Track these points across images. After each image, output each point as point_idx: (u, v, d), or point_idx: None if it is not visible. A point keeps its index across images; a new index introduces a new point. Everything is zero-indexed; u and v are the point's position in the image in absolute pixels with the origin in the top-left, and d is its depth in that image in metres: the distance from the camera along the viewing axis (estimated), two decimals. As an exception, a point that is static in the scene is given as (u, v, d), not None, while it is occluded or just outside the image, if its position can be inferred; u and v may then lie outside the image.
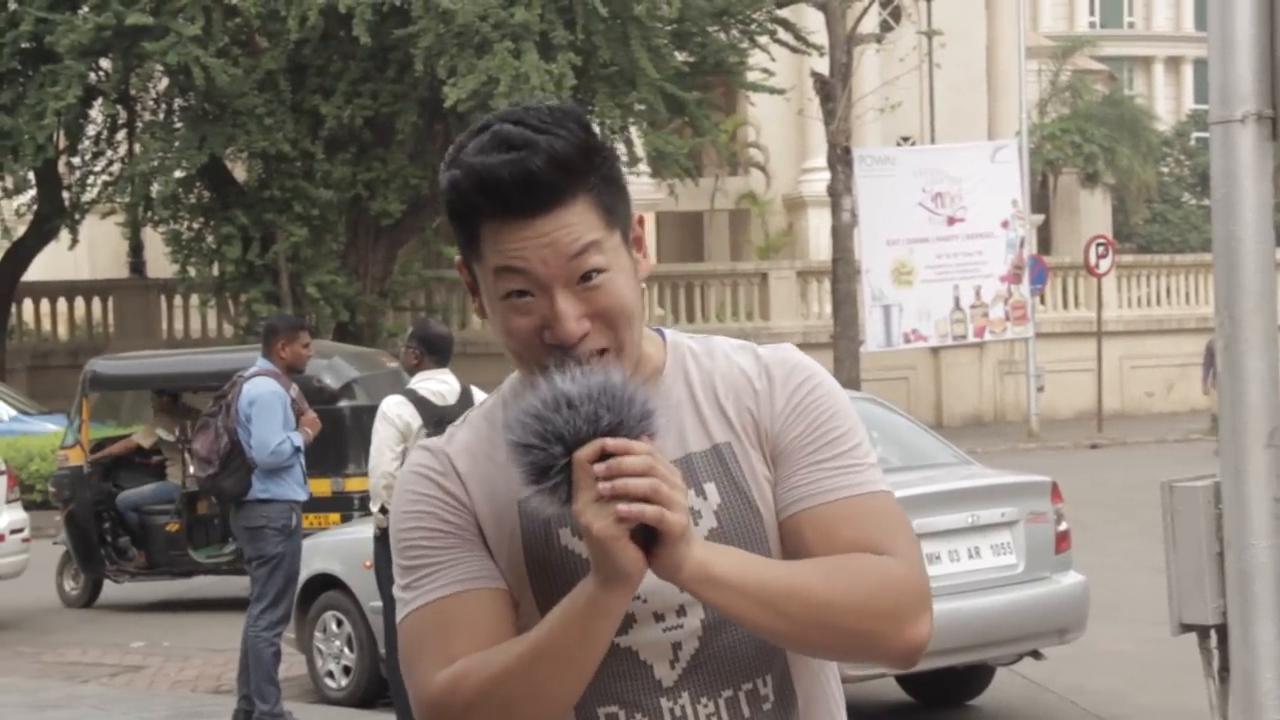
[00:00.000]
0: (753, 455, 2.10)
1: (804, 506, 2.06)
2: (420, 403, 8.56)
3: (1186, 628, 4.64)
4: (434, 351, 8.80)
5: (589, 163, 2.01)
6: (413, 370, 8.84)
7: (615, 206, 2.04)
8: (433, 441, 2.15)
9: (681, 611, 2.05)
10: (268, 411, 8.85)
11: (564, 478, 1.88)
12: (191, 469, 10.40)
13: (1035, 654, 8.94)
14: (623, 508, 1.84)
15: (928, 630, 2.02)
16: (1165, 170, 54.40)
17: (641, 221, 2.12)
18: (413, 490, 2.10)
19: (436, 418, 8.44)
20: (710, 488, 2.07)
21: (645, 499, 1.85)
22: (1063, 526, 8.98)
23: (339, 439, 13.19)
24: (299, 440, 8.94)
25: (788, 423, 2.10)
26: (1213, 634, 4.53)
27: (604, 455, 1.86)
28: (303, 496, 9.14)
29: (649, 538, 1.88)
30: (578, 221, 2.00)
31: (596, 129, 2.11)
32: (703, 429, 2.10)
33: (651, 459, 1.86)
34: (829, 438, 2.09)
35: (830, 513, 2.05)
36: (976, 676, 9.33)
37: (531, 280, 1.99)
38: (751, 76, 25.85)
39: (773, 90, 25.48)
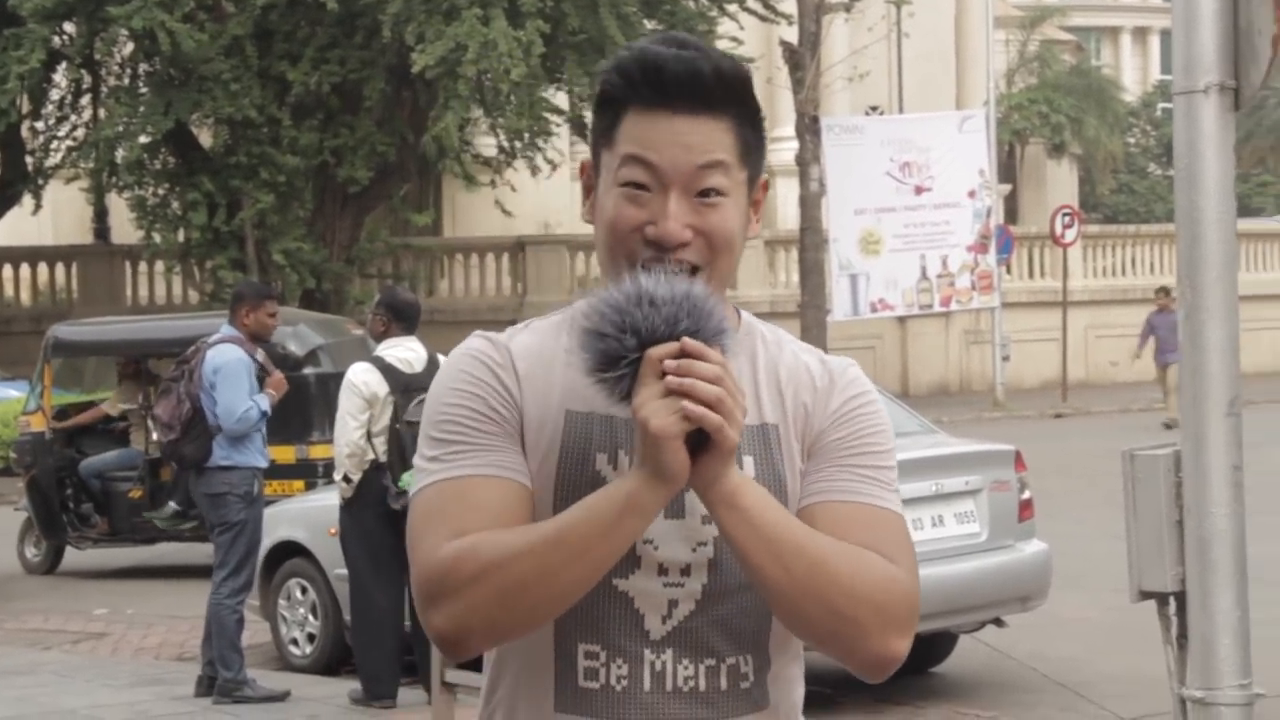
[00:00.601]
0: (795, 446, 2.12)
1: (825, 499, 2.08)
2: (387, 370, 8.54)
3: (1146, 595, 4.67)
4: (401, 318, 8.78)
5: (744, 94, 2.08)
6: (380, 337, 8.83)
7: (752, 148, 2.11)
8: (494, 335, 2.14)
9: (686, 571, 2.06)
10: (233, 378, 8.82)
11: (630, 371, 1.90)
12: (154, 435, 10.37)
13: (998, 621, 9.00)
14: (690, 406, 1.86)
15: (905, 649, 2.04)
16: (1131, 141, 54.59)
17: (765, 187, 2.17)
18: (467, 372, 2.09)
19: (403, 385, 8.43)
20: (748, 461, 2.08)
21: (710, 405, 1.87)
22: (1026, 495, 9.03)
23: (303, 406, 13.16)
24: (265, 404, 8.91)
25: (835, 424, 2.13)
26: (1172, 601, 4.56)
27: (678, 357, 1.88)
28: (264, 463, 9.12)
29: (697, 446, 1.90)
30: (717, 137, 2.05)
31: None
32: (755, 405, 2.11)
33: (723, 370, 1.89)
34: (867, 449, 2.12)
35: (848, 512, 2.08)
36: (939, 644, 9.38)
37: (655, 175, 2.04)
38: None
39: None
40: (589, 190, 2.13)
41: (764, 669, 2.10)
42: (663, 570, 2.05)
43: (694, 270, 2.03)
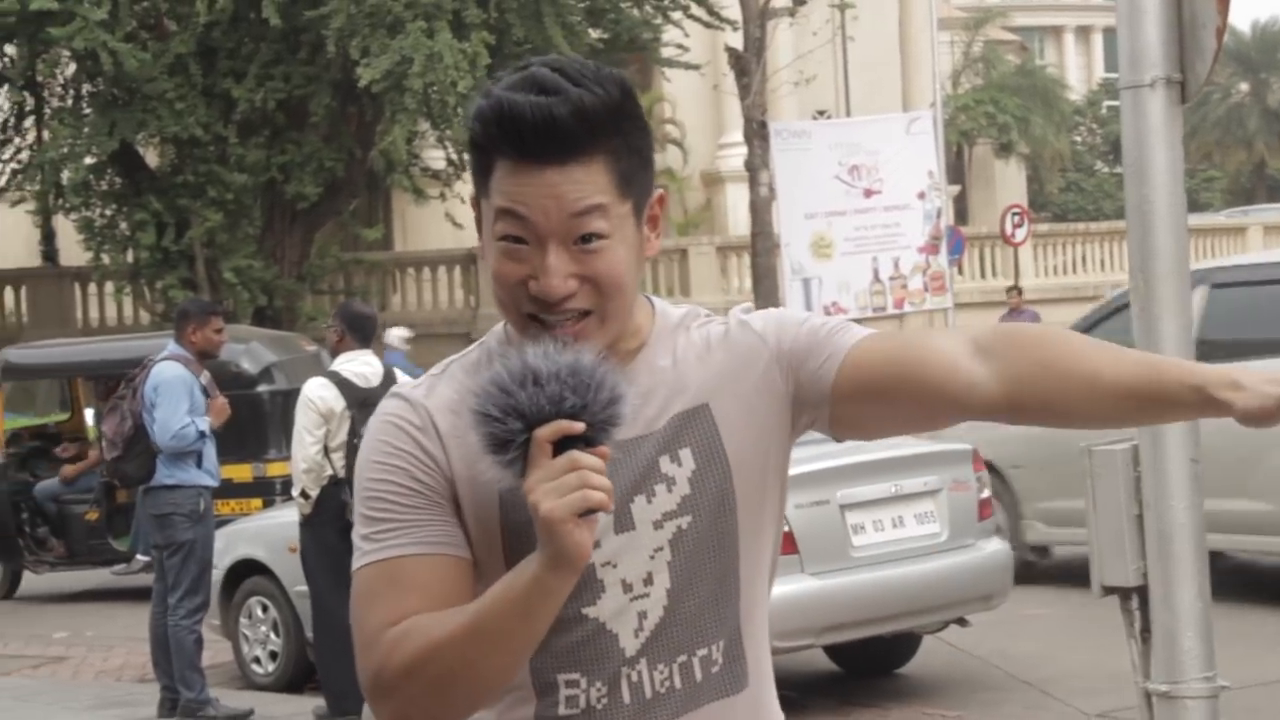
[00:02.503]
0: (747, 399, 2.07)
1: (837, 364, 2.05)
2: (343, 384, 8.50)
3: (1108, 590, 4.68)
4: (355, 329, 8.75)
5: (615, 125, 1.98)
6: (335, 350, 8.81)
7: (633, 176, 2.01)
8: (411, 391, 2.10)
9: (649, 580, 2.05)
10: (171, 396, 8.75)
11: (521, 453, 1.88)
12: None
13: (961, 621, 9.02)
14: (589, 493, 1.84)
15: None
16: (1078, 139, 54.90)
17: (662, 201, 2.09)
18: (387, 441, 2.05)
19: (360, 400, 8.39)
20: (685, 453, 2.06)
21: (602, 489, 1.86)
22: (985, 494, 9.06)
23: (258, 424, 13.10)
24: (204, 425, 8.83)
25: (795, 352, 2.08)
26: (1134, 595, 4.57)
27: (563, 438, 1.86)
28: (212, 482, 9.03)
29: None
30: (588, 181, 1.97)
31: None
32: (684, 392, 2.08)
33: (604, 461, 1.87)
34: (821, 328, 2.10)
35: (857, 352, 2.05)
36: (903, 644, 9.40)
37: (529, 229, 1.97)
38: (666, 52, 25.80)
39: (687, 66, 25.46)
40: (479, 227, 2.08)
41: (734, 651, 2.11)
42: (627, 587, 2.04)
43: (584, 314, 1.99)
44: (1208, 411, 1.90)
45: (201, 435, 8.81)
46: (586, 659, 2.04)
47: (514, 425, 1.88)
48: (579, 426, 1.87)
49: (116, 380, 14.48)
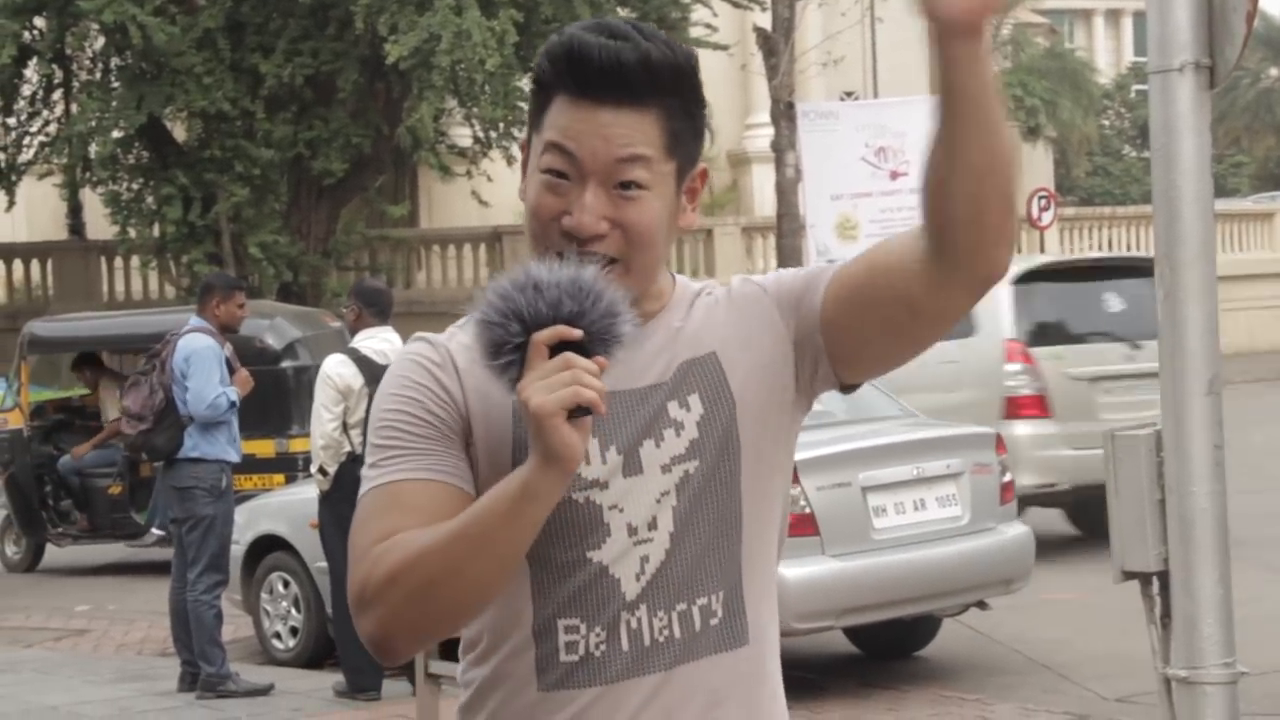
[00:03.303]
0: (751, 342, 2.11)
1: (827, 279, 2.11)
2: (362, 361, 8.51)
3: (1129, 575, 4.66)
4: (371, 304, 8.75)
5: (675, 84, 2.05)
6: (354, 327, 8.82)
7: (682, 138, 2.07)
8: (434, 336, 2.14)
9: (653, 524, 2.06)
10: (204, 366, 8.80)
11: (518, 357, 1.91)
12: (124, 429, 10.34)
13: (981, 604, 9.01)
14: (580, 390, 1.86)
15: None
16: (1106, 123, 54.65)
17: (704, 176, 2.14)
18: (405, 376, 2.10)
19: (379, 376, 8.37)
20: (694, 399, 2.09)
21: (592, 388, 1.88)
22: (1007, 478, 9.04)
23: (282, 400, 13.13)
24: (235, 395, 8.89)
25: (791, 297, 2.13)
26: (1155, 581, 4.55)
27: (561, 343, 1.88)
28: (234, 458, 9.07)
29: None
30: (639, 129, 2.04)
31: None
32: (695, 340, 2.12)
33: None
34: (820, 266, 2.15)
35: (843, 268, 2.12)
36: (923, 627, 9.39)
37: (573, 165, 2.03)
38: (694, 32, 25.74)
39: (716, 46, 25.39)
40: (525, 170, 2.13)
41: (735, 606, 2.11)
42: (632, 530, 2.06)
43: (611, 262, 2.02)
44: (947, 43, 1.88)
45: (232, 405, 8.86)
46: (588, 604, 2.05)
47: (512, 328, 1.90)
48: (576, 332, 1.89)
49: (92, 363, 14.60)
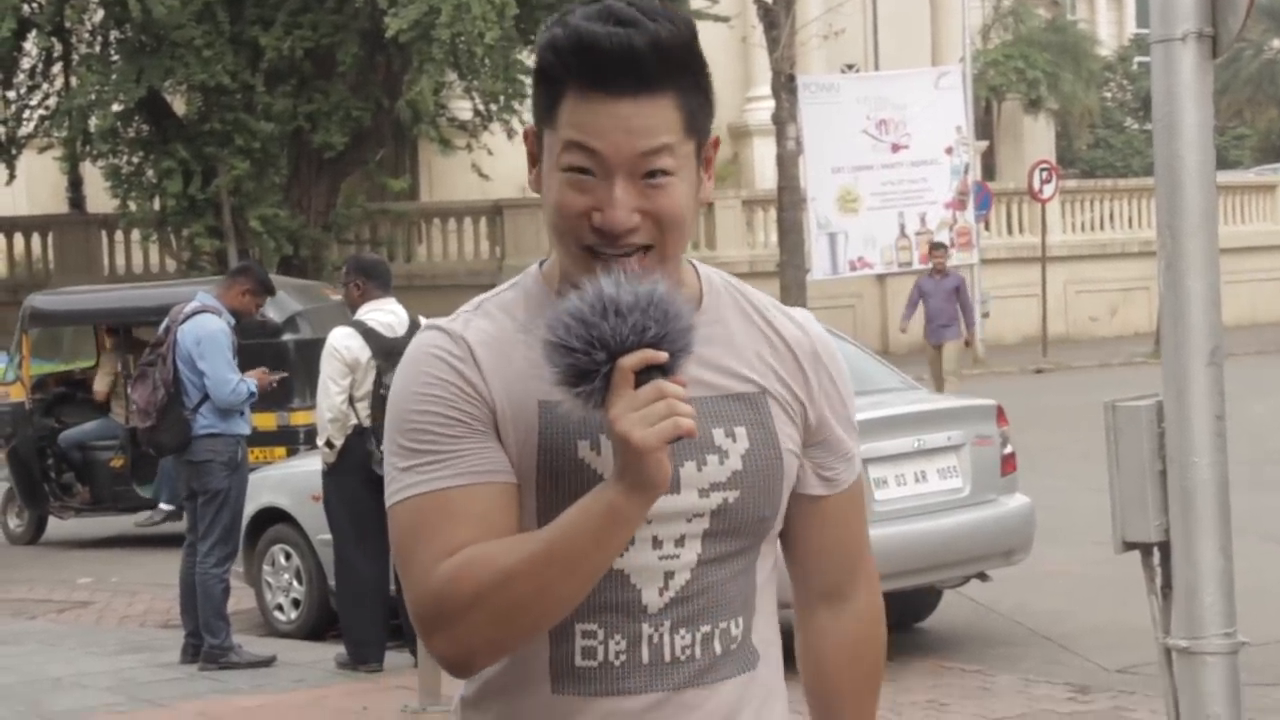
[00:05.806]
0: (789, 409, 2.13)
1: (829, 492, 2.18)
2: (368, 334, 8.50)
3: (1129, 546, 4.66)
4: (373, 277, 8.74)
5: (686, 62, 2.01)
6: (356, 304, 8.77)
7: (698, 115, 2.03)
8: (448, 324, 2.08)
9: (680, 542, 2.05)
10: (216, 350, 8.80)
11: (602, 384, 1.88)
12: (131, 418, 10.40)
13: (982, 576, 9.02)
14: (681, 421, 1.87)
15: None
16: (1108, 95, 54.49)
17: (716, 145, 2.11)
18: (428, 372, 2.04)
19: (385, 349, 8.39)
20: (741, 431, 2.08)
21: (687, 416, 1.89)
22: (1008, 449, 9.04)
23: (283, 372, 13.12)
24: (253, 385, 8.93)
25: (830, 398, 2.17)
26: (1155, 551, 4.55)
27: (647, 366, 1.87)
28: (247, 430, 9.11)
29: None
30: (659, 116, 1.98)
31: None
32: (743, 372, 2.11)
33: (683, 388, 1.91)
34: (850, 420, 2.20)
35: (840, 501, 2.21)
36: (924, 599, 9.40)
37: (597, 161, 1.98)
38: (695, 4, 25.70)
39: (717, 18, 25.35)
40: (534, 159, 2.08)
41: (749, 629, 2.12)
42: (657, 544, 2.04)
43: (645, 249, 2.00)
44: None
45: (251, 395, 8.90)
46: (605, 610, 2.04)
47: (598, 356, 1.87)
48: (663, 356, 1.88)
49: (115, 331, 14.62)
